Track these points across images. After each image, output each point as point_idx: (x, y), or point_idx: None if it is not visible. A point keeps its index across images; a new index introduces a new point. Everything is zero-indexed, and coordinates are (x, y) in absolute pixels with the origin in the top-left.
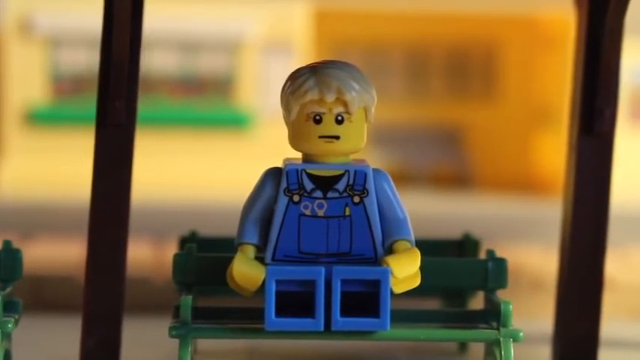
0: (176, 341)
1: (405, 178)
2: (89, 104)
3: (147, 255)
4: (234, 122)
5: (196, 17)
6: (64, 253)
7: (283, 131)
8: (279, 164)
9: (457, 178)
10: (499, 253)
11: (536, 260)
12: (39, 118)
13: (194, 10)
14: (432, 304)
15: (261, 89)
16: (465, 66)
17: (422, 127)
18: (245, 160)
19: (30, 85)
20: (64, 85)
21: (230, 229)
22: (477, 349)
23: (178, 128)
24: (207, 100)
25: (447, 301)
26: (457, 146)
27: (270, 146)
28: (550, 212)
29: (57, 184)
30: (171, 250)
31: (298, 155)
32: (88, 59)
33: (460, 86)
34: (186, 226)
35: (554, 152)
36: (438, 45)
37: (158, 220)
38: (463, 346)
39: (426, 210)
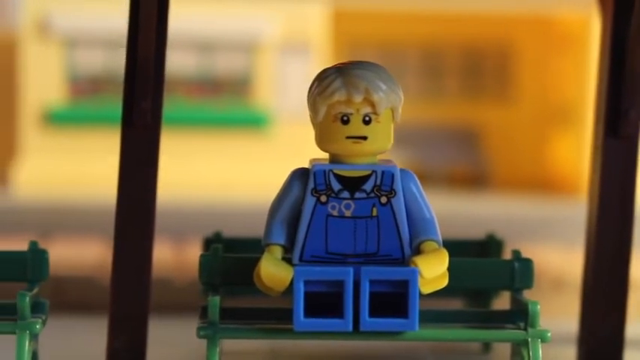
0: (200, 341)
1: (420, 178)
2: (106, 104)
3: (167, 255)
4: (252, 122)
5: (214, 18)
6: (82, 254)
7: (301, 131)
8: (297, 164)
9: (473, 178)
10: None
11: (555, 260)
12: (56, 119)
13: (211, 11)
14: (454, 304)
15: (279, 89)
16: (481, 66)
17: (438, 127)
18: (262, 161)
19: (47, 85)
20: (80, 86)
21: (249, 229)
22: (501, 349)
23: (196, 128)
24: (225, 101)
25: (470, 302)
26: (473, 146)
27: (288, 146)
28: (567, 211)
29: (74, 185)
30: (191, 250)
31: (317, 155)
32: (104, 60)
33: (476, 86)
34: (204, 226)
35: (570, 152)
36: (454, 45)
37: (176, 221)
38: (487, 346)
39: (442, 210)
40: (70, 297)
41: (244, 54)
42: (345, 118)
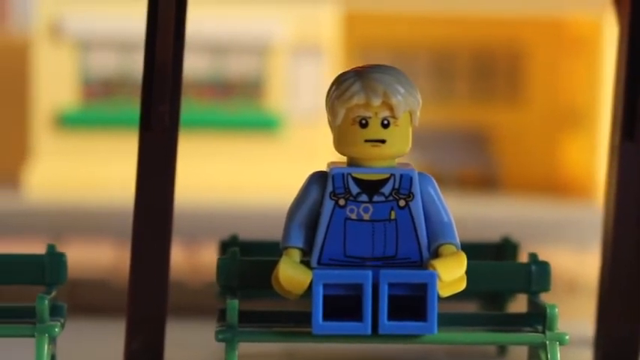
0: (215, 343)
1: None
2: (118, 107)
3: (179, 258)
4: (264, 125)
5: (225, 21)
6: (94, 256)
7: (312, 134)
8: (308, 166)
9: (484, 181)
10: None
11: (567, 262)
12: (68, 122)
13: (223, 14)
14: (468, 307)
15: (291, 92)
16: (492, 68)
17: (448, 129)
18: (274, 163)
19: (59, 88)
20: (93, 89)
21: (262, 231)
22: (516, 352)
23: (207, 131)
24: (237, 103)
25: (485, 304)
26: (484, 148)
27: (300, 149)
28: (578, 214)
29: (86, 187)
30: (203, 252)
31: (328, 157)
32: (117, 62)
33: (487, 88)
34: (215, 228)
35: (581, 154)
36: (465, 47)
37: (188, 223)
38: (503, 349)
39: (453, 212)
40: (83, 300)
41: (256, 57)
42: (364, 122)
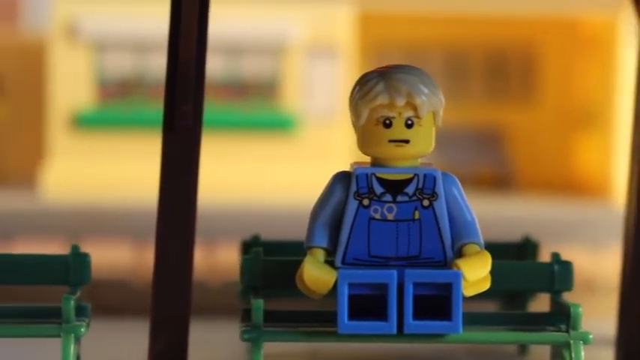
0: (236, 343)
1: None
2: (135, 108)
3: (197, 257)
4: (279, 125)
5: (240, 21)
6: (112, 256)
7: (328, 134)
8: (324, 167)
9: (497, 180)
10: (544, 255)
11: (584, 262)
12: (85, 122)
13: (238, 14)
14: (487, 306)
15: (306, 92)
16: (505, 68)
17: (462, 129)
18: (289, 163)
19: (76, 89)
20: (109, 89)
21: (277, 231)
22: (537, 352)
23: (222, 131)
24: (252, 104)
25: (504, 304)
26: (497, 148)
27: (315, 149)
28: (593, 214)
29: (103, 187)
30: (219, 252)
31: (343, 157)
32: (133, 63)
33: (500, 88)
34: (232, 228)
35: (595, 154)
36: (478, 47)
37: (204, 223)
38: (523, 348)
39: None
40: (103, 300)
41: (271, 57)
42: (388, 122)
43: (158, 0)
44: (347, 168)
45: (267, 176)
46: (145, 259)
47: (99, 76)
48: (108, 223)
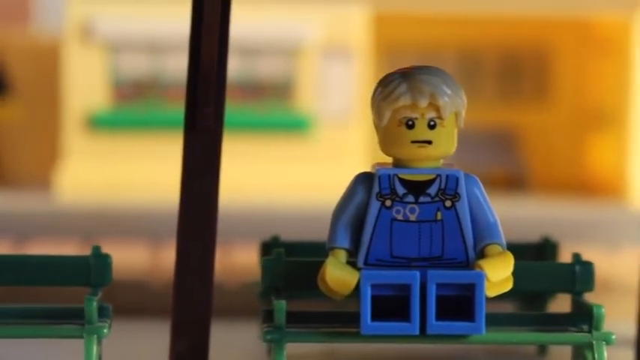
0: (254, 343)
1: None
2: (149, 109)
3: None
4: (294, 126)
5: (255, 22)
6: (128, 257)
7: (342, 135)
8: (339, 168)
9: (511, 181)
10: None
11: (599, 262)
12: (99, 123)
13: (253, 15)
14: (506, 306)
15: (321, 93)
16: (519, 68)
17: (475, 129)
18: (304, 164)
19: (90, 90)
20: (124, 90)
21: (293, 232)
22: (556, 353)
23: (237, 132)
24: (267, 105)
25: (523, 304)
26: (511, 149)
27: (330, 150)
28: (608, 214)
29: (117, 189)
30: (235, 253)
31: (358, 159)
32: (148, 64)
33: (514, 89)
34: (247, 229)
35: (609, 154)
36: (492, 48)
37: (218, 224)
38: (542, 349)
39: None
40: (118, 301)
41: (286, 58)
42: (410, 123)
43: (173, 0)
44: (362, 168)
45: (281, 177)
46: (161, 260)
47: (114, 77)
48: (123, 224)
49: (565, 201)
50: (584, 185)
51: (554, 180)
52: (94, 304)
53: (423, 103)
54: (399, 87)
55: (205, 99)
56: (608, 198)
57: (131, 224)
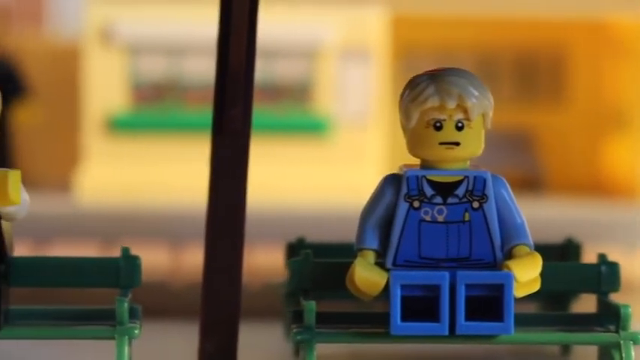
0: (284, 344)
1: None
2: (169, 111)
3: None
4: (312, 128)
5: (274, 24)
6: (149, 259)
7: (361, 137)
8: (357, 169)
9: (527, 181)
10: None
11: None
12: (119, 126)
13: (272, 18)
14: (528, 307)
15: (339, 95)
16: (535, 70)
17: (492, 130)
18: (323, 166)
19: (110, 92)
20: (143, 92)
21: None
22: (580, 352)
23: (256, 134)
24: (285, 107)
25: (546, 305)
26: (527, 150)
27: (348, 152)
28: (623, 215)
29: (137, 191)
30: (256, 254)
31: (376, 160)
32: (167, 66)
33: (530, 90)
34: (265, 230)
35: (625, 155)
36: (508, 49)
37: None
38: (566, 349)
39: None
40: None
41: (304, 60)
42: (438, 124)
43: (194, 3)
44: (380, 170)
45: (299, 179)
46: (181, 262)
47: (133, 79)
48: (143, 225)
49: (581, 201)
50: (601, 186)
51: (571, 181)
52: (125, 305)
53: (451, 104)
54: (427, 89)
55: (233, 101)
56: (624, 198)
57: (151, 226)
